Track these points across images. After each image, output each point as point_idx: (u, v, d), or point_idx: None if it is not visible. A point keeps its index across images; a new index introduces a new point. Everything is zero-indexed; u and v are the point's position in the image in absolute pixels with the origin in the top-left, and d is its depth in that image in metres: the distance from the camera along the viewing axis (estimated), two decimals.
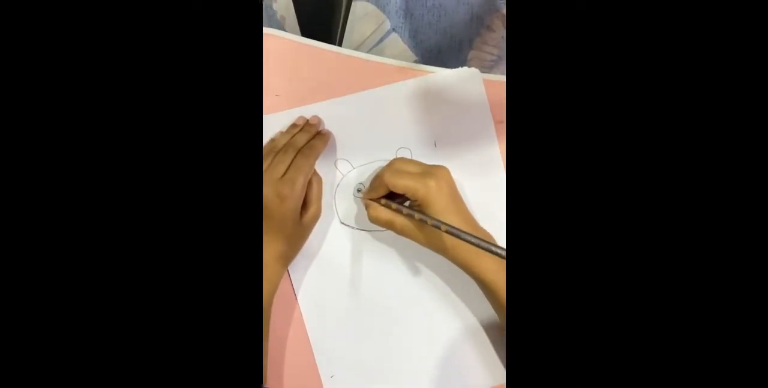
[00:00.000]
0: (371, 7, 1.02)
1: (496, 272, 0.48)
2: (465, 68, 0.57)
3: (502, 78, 0.58)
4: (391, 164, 0.50)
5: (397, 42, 1.08)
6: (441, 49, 0.99)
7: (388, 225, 0.50)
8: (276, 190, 0.48)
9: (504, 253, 0.41)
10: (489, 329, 0.56)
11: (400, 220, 0.49)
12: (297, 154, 0.51)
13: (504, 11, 1.04)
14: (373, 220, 0.51)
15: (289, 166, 0.50)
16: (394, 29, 1.03)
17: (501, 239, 0.52)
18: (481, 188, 0.56)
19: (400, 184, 0.48)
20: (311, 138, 0.53)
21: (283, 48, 0.56)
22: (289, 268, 0.56)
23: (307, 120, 0.55)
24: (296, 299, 0.56)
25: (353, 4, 0.96)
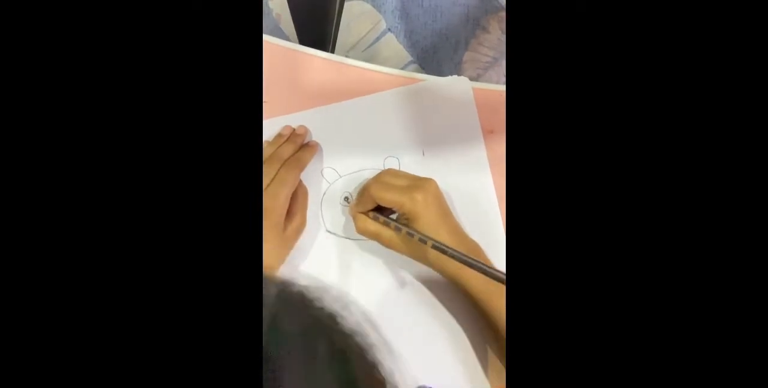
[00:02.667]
0: (367, 6, 1.01)
1: (482, 283, 0.48)
2: (455, 77, 0.56)
3: (493, 86, 0.57)
4: (379, 177, 0.50)
5: (392, 42, 1.08)
6: (436, 50, 0.99)
7: (375, 237, 0.50)
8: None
9: (486, 267, 0.41)
10: (476, 338, 0.56)
11: (387, 232, 0.49)
12: (282, 166, 0.50)
13: (500, 13, 1.04)
14: (361, 231, 0.51)
15: (273, 178, 0.49)
16: (389, 29, 1.02)
17: (490, 249, 0.52)
18: (469, 197, 0.56)
19: (386, 198, 0.48)
20: (297, 149, 0.53)
21: (271, 54, 0.56)
22: None
23: (294, 130, 0.55)
24: None
25: (349, 3, 0.96)
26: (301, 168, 0.51)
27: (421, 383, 0.57)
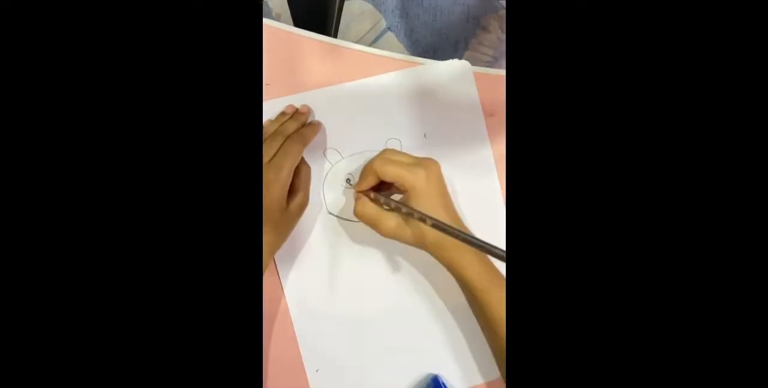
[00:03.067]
0: (367, 5, 1.02)
1: (478, 271, 0.47)
2: (456, 60, 0.56)
3: (494, 71, 0.57)
4: (382, 153, 0.50)
5: (392, 41, 1.09)
6: (436, 49, 1.00)
7: (373, 223, 0.49)
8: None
9: (486, 244, 0.40)
10: (476, 325, 0.56)
11: (386, 220, 0.49)
12: (285, 140, 0.50)
13: (500, 13, 1.05)
14: (359, 215, 0.50)
15: (277, 151, 0.49)
16: (389, 28, 1.03)
17: (491, 231, 0.51)
18: (470, 179, 0.56)
19: (390, 171, 0.47)
20: (300, 126, 0.53)
21: (274, 37, 0.56)
22: (275, 259, 0.55)
23: (297, 109, 0.55)
24: (282, 290, 0.55)
25: (349, 2, 0.97)
26: (305, 143, 0.51)
27: (429, 372, 0.56)
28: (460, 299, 0.55)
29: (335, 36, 0.96)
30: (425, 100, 0.56)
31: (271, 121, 0.53)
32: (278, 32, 0.57)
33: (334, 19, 0.92)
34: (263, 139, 0.51)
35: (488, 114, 0.56)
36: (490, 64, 1.03)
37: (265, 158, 0.48)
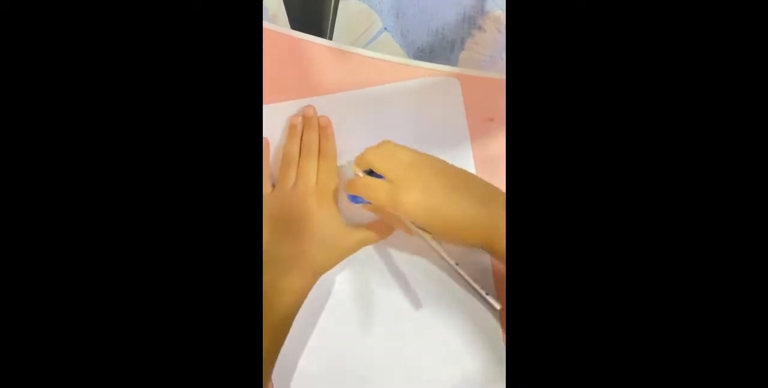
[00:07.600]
0: (363, 5, 1.01)
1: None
2: (446, 78, 0.56)
3: (493, 75, 0.57)
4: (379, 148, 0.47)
5: (388, 41, 1.09)
6: (432, 49, 0.99)
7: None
8: (316, 197, 0.49)
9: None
10: (482, 338, 0.55)
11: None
12: (319, 159, 0.52)
13: (495, 13, 1.04)
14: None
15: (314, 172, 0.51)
16: (385, 28, 1.03)
17: None
18: None
19: (370, 196, 0.46)
20: (316, 134, 0.53)
21: (269, 41, 0.56)
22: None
23: (302, 115, 0.54)
24: None
25: (345, 2, 0.96)
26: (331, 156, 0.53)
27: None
28: (470, 315, 0.54)
29: (331, 37, 0.95)
30: (414, 115, 0.56)
31: (287, 142, 0.53)
32: (274, 35, 0.56)
33: (330, 20, 0.92)
34: (287, 163, 0.52)
35: (488, 119, 0.56)
36: (485, 64, 1.03)
37: (312, 181, 0.50)
